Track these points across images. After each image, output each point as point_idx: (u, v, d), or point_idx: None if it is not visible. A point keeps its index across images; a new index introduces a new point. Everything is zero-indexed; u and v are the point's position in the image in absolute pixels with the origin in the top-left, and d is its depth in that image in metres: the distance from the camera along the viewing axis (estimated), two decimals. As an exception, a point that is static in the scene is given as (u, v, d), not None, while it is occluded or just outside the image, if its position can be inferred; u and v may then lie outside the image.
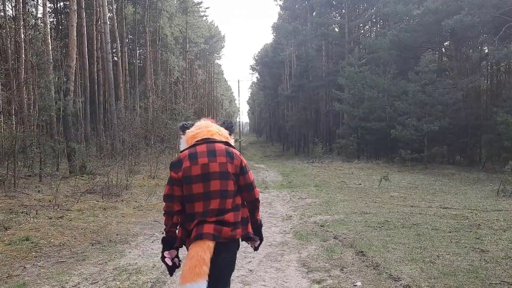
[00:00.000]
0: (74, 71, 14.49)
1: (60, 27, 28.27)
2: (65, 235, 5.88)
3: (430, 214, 7.70)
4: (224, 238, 2.24)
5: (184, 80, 42.84)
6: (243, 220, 2.39)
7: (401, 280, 3.92)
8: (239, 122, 64.54)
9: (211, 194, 2.27)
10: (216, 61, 69.74)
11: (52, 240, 5.59)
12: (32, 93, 16.59)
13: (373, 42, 25.86)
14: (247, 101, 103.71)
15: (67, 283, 4.03)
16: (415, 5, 22.82)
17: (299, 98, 37.12)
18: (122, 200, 9.23)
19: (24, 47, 16.51)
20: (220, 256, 2.25)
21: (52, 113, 15.08)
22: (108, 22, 21.95)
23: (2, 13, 19.73)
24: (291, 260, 4.78)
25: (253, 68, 70.15)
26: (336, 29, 37.16)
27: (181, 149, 2.49)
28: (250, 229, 2.45)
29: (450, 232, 6.00)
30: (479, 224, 6.54)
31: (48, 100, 13.45)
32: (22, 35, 16.60)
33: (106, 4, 21.41)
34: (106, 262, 4.72)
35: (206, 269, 2.16)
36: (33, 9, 24.74)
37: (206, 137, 2.43)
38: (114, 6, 25.99)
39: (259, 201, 2.55)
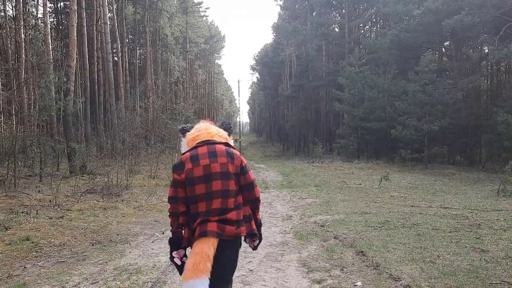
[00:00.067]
0: (74, 71, 14.49)
1: (61, 27, 28.29)
2: (66, 235, 5.89)
3: (430, 214, 7.70)
4: (228, 236, 2.29)
5: (184, 80, 42.85)
6: (246, 217, 2.44)
7: (401, 280, 3.92)
8: (239, 122, 64.56)
9: (213, 194, 2.32)
10: (216, 61, 69.80)
11: (52, 240, 5.59)
12: (32, 93, 16.58)
13: (373, 42, 25.86)
14: (247, 101, 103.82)
15: (67, 283, 4.04)
16: (415, 5, 22.82)
17: (299, 98, 37.13)
18: (122, 200, 9.24)
19: (25, 47, 16.51)
20: (223, 253, 2.29)
21: (52, 113, 15.09)
22: (109, 22, 21.97)
23: (2, 13, 19.76)
24: (292, 260, 4.78)
25: (253, 68, 70.20)
26: (336, 29, 37.16)
27: (182, 151, 2.55)
28: (254, 226, 2.49)
29: (451, 232, 6.00)
30: (479, 224, 6.54)
31: (48, 100, 13.45)
32: (23, 35, 16.61)
33: (107, 4, 21.43)
34: (106, 262, 4.73)
35: (209, 265, 2.19)
36: (33, 9, 24.74)
37: (206, 139, 2.49)
38: (115, 6, 26.01)
39: (260, 200, 2.60)
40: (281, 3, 45.39)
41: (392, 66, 23.43)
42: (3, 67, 15.71)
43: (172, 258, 2.39)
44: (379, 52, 24.61)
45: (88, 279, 4.15)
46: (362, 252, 4.95)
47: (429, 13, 20.81)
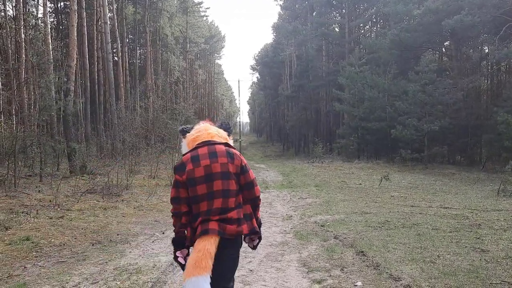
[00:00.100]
0: (74, 71, 14.49)
1: (61, 27, 28.29)
2: (66, 235, 5.89)
3: (431, 214, 7.70)
4: (230, 235, 2.32)
5: (184, 80, 42.86)
6: (247, 216, 2.47)
7: (401, 280, 3.92)
8: (239, 122, 64.48)
9: (214, 194, 2.35)
10: (216, 61, 69.82)
11: (52, 240, 5.60)
12: (32, 93, 16.59)
13: (373, 42, 25.87)
14: (247, 101, 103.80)
15: (67, 283, 4.04)
16: (415, 5, 22.82)
17: (299, 98, 37.13)
18: (122, 200, 9.24)
19: (25, 47, 16.51)
20: (225, 252, 2.32)
21: (52, 113, 15.10)
22: (109, 22, 21.97)
23: (2, 13, 19.76)
24: (292, 260, 4.78)
25: (253, 68, 70.16)
26: (337, 29, 37.15)
27: (183, 152, 2.58)
28: (255, 224, 2.52)
29: (451, 232, 6.00)
30: (479, 224, 6.54)
31: (48, 100, 13.47)
32: (23, 35, 16.60)
33: (107, 4, 21.43)
34: (106, 262, 4.73)
35: (211, 263, 2.21)
36: (34, 9, 24.74)
37: (206, 139, 2.53)
38: (115, 6, 26.01)
39: (260, 199, 2.62)
40: (281, 3, 45.42)
41: (392, 66, 23.43)
42: (3, 67, 15.72)
43: (176, 257, 2.43)
44: (379, 52, 24.62)
45: (88, 279, 4.15)
46: (362, 252, 4.95)
47: (429, 13, 20.81)
